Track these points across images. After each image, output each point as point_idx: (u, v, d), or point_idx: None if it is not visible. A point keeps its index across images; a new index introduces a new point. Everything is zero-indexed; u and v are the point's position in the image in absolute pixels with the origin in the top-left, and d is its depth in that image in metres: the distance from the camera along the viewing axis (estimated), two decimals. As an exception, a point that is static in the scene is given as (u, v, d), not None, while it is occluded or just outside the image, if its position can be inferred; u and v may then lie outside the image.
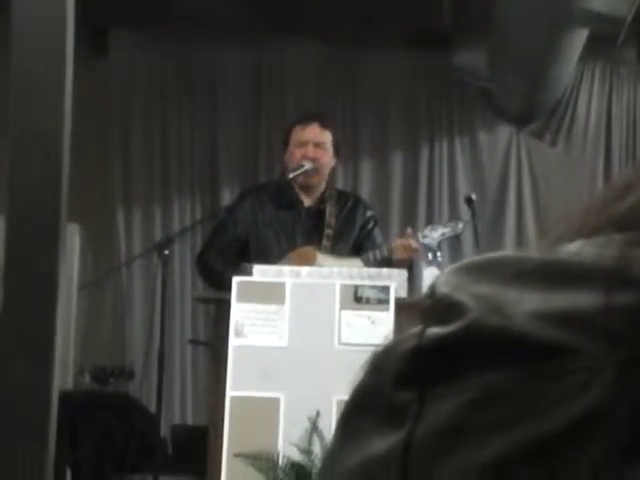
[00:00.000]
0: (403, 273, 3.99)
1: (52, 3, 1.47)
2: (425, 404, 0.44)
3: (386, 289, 3.79)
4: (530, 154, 6.99)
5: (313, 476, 3.47)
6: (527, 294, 0.45)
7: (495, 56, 6.15)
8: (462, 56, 6.49)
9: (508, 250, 0.49)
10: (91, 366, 5.98)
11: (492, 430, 0.42)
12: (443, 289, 0.48)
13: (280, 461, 3.56)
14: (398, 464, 0.44)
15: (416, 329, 0.47)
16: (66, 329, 5.81)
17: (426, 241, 4.43)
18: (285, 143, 4.74)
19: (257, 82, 6.93)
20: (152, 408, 5.25)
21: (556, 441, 0.41)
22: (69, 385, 6.05)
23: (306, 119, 4.73)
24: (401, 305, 3.75)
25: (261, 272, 3.93)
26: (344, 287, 3.80)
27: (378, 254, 4.47)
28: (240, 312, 3.78)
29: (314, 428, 3.56)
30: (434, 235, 4.48)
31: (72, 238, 6.35)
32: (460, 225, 4.64)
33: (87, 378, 5.91)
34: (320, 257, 4.47)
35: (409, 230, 4.59)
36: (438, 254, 4.37)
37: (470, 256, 0.52)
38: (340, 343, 3.74)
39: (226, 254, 4.59)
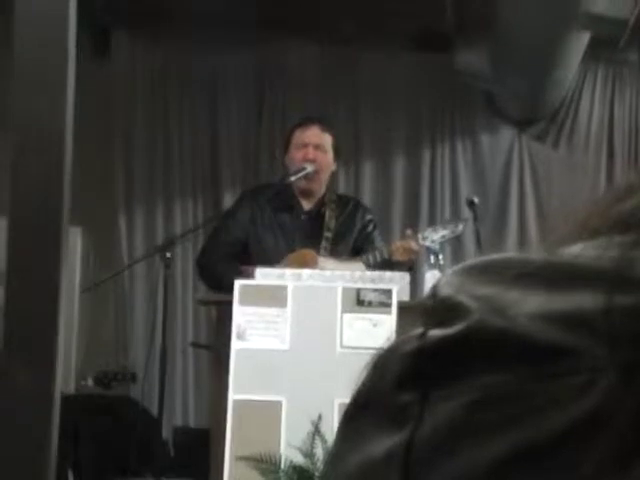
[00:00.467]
0: (405, 276, 3.99)
1: (54, 4, 1.47)
2: (427, 405, 0.44)
3: (388, 292, 3.78)
4: (532, 156, 6.99)
5: (315, 479, 3.47)
6: (529, 296, 0.45)
7: (497, 58, 6.15)
8: (464, 58, 6.49)
9: (510, 252, 0.49)
10: (93, 369, 5.99)
11: (494, 431, 0.42)
12: (445, 290, 0.48)
13: (282, 464, 3.55)
14: (400, 465, 0.44)
15: (418, 331, 0.47)
16: (68, 332, 5.81)
17: (427, 243, 4.42)
18: (286, 146, 4.75)
19: (259, 84, 6.93)
20: (154, 411, 5.26)
21: (557, 443, 0.41)
22: (71, 388, 6.05)
23: (306, 122, 4.73)
24: (403, 308, 3.75)
25: (263, 275, 3.93)
26: (346, 290, 3.80)
27: (378, 256, 4.47)
28: (242, 315, 3.77)
29: (316, 431, 3.56)
30: (434, 237, 4.47)
31: (74, 241, 6.34)
32: (460, 226, 4.64)
33: (89, 381, 5.91)
34: (321, 260, 4.46)
35: (409, 232, 4.59)
36: (440, 257, 4.36)
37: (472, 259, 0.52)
38: (342, 346, 3.74)
39: (226, 256, 4.59)
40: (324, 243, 4.60)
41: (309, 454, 3.54)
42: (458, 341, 0.45)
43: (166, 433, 5.78)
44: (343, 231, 4.68)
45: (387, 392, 0.46)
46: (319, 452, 3.52)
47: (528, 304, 0.44)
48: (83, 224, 6.36)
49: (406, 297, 3.91)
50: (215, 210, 6.68)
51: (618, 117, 6.91)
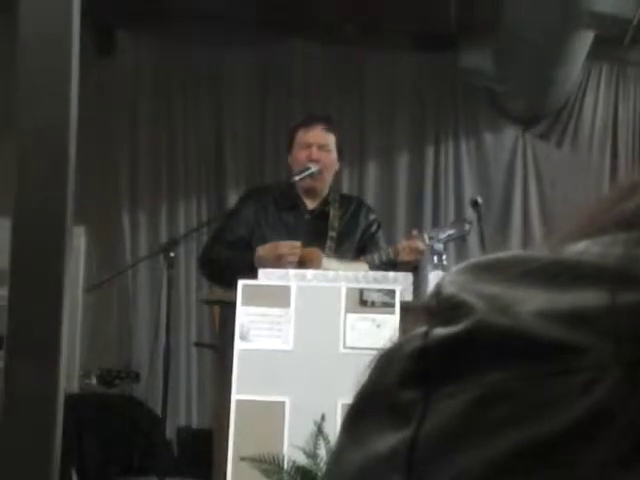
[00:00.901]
0: (409, 276, 3.98)
1: (58, 3, 1.47)
2: (431, 403, 0.44)
3: (392, 292, 3.78)
4: (536, 155, 6.99)
5: (318, 479, 3.47)
6: (533, 293, 0.45)
7: (501, 57, 6.15)
8: (468, 57, 6.49)
9: (514, 250, 0.49)
10: (97, 368, 5.99)
11: (497, 429, 0.42)
12: (449, 289, 0.48)
13: (285, 465, 3.55)
14: (403, 463, 0.44)
15: (422, 329, 0.47)
16: (72, 332, 5.81)
17: (432, 243, 4.41)
18: (289, 145, 4.74)
19: (263, 83, 6.93)
20: (157, 410, 5.26)
21: (561, 440, 0.41)
22: (75, 388, 6.05)
23: (310, 121, 4.72)
24: (407, 308, 3.75)
25: (266, 275, 3.93)
26: (349, 290, 3.79)
27: (383, 256, 4.46)
28: (245, 315, 3.77)
29: (319, 431, 3.56)
30: (440, 236, 4.47)
31: (78, 240, 6.35)
32: (466, 226, 4.63)
33: (93, 380, 5.92)
34: (325, 260, 4.46)
35: (414, 232, 4.58)
36: (443, 257, 4.35)
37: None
38: (345, 346, 3.74)
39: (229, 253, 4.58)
40: (329, 242, 4.60)
41: (312, 454, 3.53)
42: (462, 339, 0.44)
43: (170, 433, 5.78)
44: (347, 231, 4.68)
45: (391, 390, 0.46)
46: (322, 452, 3.52)
47: (532, 302, 0.44)
48: (87, 223, 6.37)
49: (409, 297, 3.91)
50: (219, 209, 6.68)
51: (622, 116, 6.91)
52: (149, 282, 6.60)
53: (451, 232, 4.55)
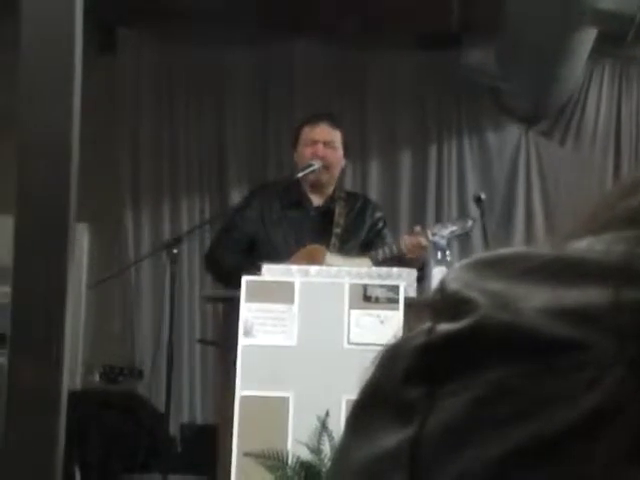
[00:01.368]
0: (413, 272, 3.98)
1: (60, 2, 1.47)
2: (434, 400, 0.44)
3: (395, 288, 3.78)
4: (539, 153, 6.98)
5: (322, 475, 3.47)
6: (536, 290, 0.45)
7: (504, 55, 6.14)
8: (471, 55, 6.49)
9: (517, 247, 0.49)
10: (100, 365, 5.99)
11: (501, 426, 0.42)
12: (453, 285, 0.48)
13: (289, 460, 3.55)
14: (407, 460, 0.44)
15: (426, 325, 0.47)
16: (75, 328, 5.82)
17: (435, 239, 4.41)
18: (295, 143, 4.74)
19: (265, 81, 6.93)
20: (161, 407, 5.26)
21: (565, 437, 0.41)
22: (78, 384, 6.06)
23: (316, 118, 4.72)
24: (410, 304, 3.75)
25: (270, 271, 3.93)
26: (353, 286, 3.79)
27: (387, 251, 4.46)
28: (249, 311, 3.77)
29: (323, 427, 3.56)
30: (443, 233, 4.47)
31: (81, 237, 6.36)
32: (469, 223, 4.63)
33: (96, 377, 5.92)
34: (328, 256, 4.46)
35: (417, 228, 4.58)
36: (447, 253, 4.35)
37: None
38: (349, 342, 3.74)
39: (235, 251, 4.59)
40: (334, 239, 4.60)
41: (316, 450, 3.54)
42: (466, 336, 0.45)
43: (173, 429, 5.79)
44: (353, 228, 4.67)
45: (394, 387, 0.46)
46: (326, 448, 3.53)
47: (536, 299, 0.44)
48: (90, 220, 6.38)
49: (413, 293, 3.91)
50: (222, 207, 6.68)
51: (625, 113, 6.90)
52: (152, 279, 6.60)
53: (454, 228, 4.55)
